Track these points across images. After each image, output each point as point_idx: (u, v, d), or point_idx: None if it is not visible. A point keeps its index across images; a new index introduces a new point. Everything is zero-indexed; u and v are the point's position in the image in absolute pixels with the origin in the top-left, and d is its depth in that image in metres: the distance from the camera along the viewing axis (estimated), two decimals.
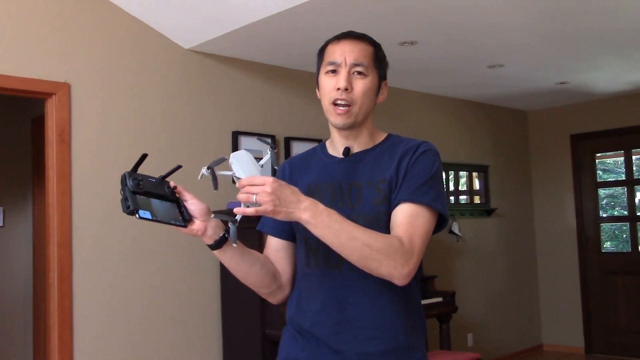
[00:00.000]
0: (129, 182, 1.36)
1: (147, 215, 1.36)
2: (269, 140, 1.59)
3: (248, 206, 1.35)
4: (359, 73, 1.57)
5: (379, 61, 1.63)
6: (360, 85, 1.57)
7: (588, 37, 4.17)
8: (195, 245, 3.88)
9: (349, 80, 1.56)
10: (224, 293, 3.98)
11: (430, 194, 1.51)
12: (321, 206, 1.39)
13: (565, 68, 5.03)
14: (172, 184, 1.43)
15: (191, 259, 3.89)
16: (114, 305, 3.54)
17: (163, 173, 1.44)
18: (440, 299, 4.55)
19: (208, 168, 1.43)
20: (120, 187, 1.38)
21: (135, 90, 3.74)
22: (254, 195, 1.31)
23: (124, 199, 1.36)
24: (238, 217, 1.39)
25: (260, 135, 4.29)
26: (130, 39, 3.74)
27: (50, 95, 3.39)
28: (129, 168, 1.40)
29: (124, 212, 1.35)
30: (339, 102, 1.56)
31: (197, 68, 4.06)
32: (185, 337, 3.83)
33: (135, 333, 3.61)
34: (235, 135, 4.16)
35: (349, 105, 1.56)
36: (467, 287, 5.86)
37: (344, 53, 1.58)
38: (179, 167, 1.44)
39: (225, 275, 3.96)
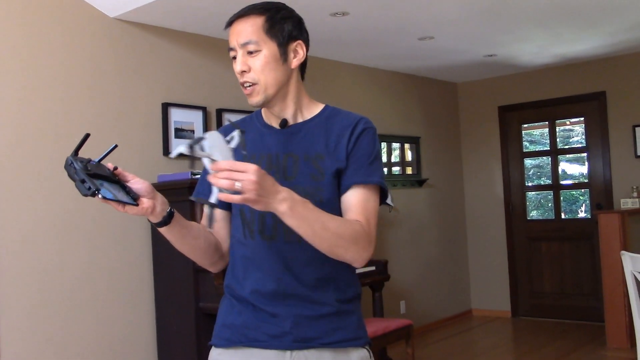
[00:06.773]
0: (77, 165, 1.30)
1: (109, 195, 1.31)
2: (237, 123, 1.54)
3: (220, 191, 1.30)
4: (250, 52, 1.56)
5: (273, 29, 1.58)
6: (256, 62, 1.55)
7: (514, 10, 4.27)
8: (125, 221, 3.81)
9: (245, 62, 1.56)
10: (156, 267, 3.94)
11: (376, 173, 1.57)
12: (296, 196, 1.37)
13: (492, 40, 5.15)
14: (110, 165, 1.37)
15: (121, 235, 3.82)
16: (43, 287, 3.45)
17: (97, 152, 1.38)
18: (373, 268, 4.63)
19: (190, 147, 1.31)
20: (67, 172, 1.30)
21: (59, 62, 3.60)
22: (237, 182, 1.26)
23: (81, 182, 1.28)
24: (215, 201, 1.34)
25: (190, 107, 4.23)
26: (53, 8, 3.59)
27: None
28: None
29: (84, 194, 1.28)
30: (244, 84, 1.58)
31: (124, 38, 3.94)
32: (117, 312, 3.77)
33: (65, 312, 3.53)
34: (166, 107, 4.08)
35: (254, 84, 1.56)
36: (400, 256, 5.99)
37: (233, 36, 1.58)
38: (115, 146, 1.36)
39: (157, 249, 3.91)
